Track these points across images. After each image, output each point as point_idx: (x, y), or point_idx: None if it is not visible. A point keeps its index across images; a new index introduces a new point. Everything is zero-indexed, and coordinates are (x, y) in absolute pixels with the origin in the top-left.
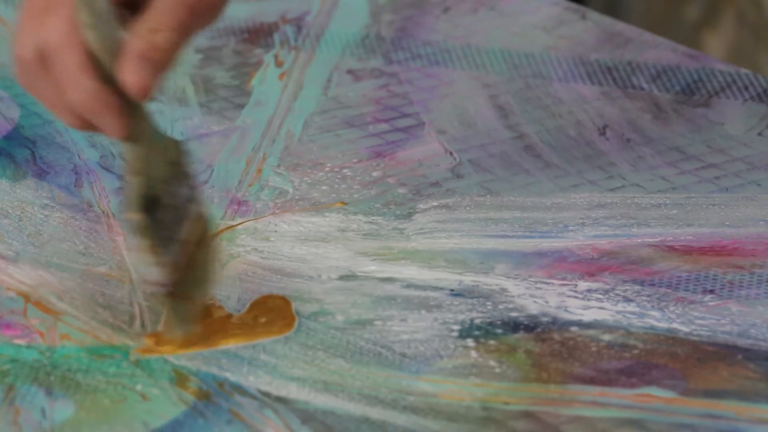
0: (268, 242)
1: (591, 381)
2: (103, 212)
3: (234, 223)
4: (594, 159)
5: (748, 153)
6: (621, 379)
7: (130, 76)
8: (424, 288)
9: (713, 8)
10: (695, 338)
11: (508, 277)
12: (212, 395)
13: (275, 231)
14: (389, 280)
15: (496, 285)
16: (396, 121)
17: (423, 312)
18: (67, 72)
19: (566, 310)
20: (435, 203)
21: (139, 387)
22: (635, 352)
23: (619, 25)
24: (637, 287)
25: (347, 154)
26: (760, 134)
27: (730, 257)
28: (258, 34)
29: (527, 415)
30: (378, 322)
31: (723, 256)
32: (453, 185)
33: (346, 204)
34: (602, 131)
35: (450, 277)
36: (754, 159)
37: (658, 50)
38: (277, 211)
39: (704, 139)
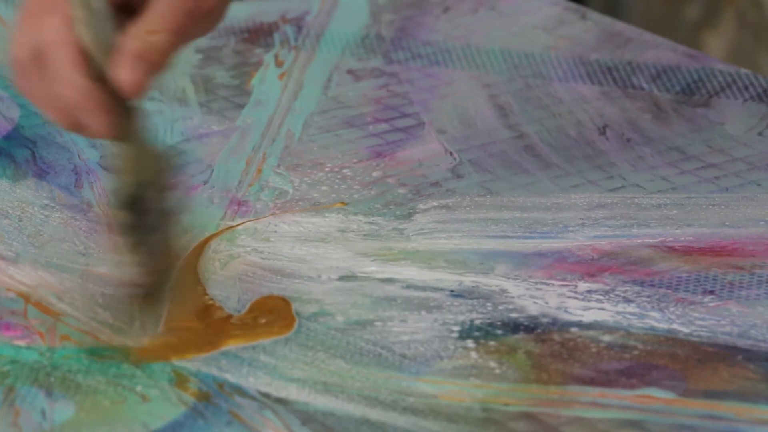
0: (268, 243)
1: (591, 382)
2: (103, 212)
3: (234, 223)
4: (594, 159)
5: (748, 153)
6: (621, 380)
7: (123, 74)
8: (424, 289)
9: (713, 8)
10: (695, 339)
11: (508, 278)
12: (212, 396)
13: (275, 231)
14: (389, 280)
15: (496, 286)
16: (396, 121)
17: (423, 313)
18: (59, 68)
19: (566, 311)
20: (435, 203)
21: (139, 388)
22: (635, 353)
23: (619, 25)
24: (637, 288)
25: (347, 154)
26: (760, 134)
27: (730, 258)
28: (258, 34)
29: (527, 416)
30: (378, 323)
31: (723, 256)
32: (453, 185)
33: (346, 204)
34: (602, 131)
35: (450, 278)
36: (754, 159)
37: (658, 50)
38: (277, 212)
39: (704, 139)
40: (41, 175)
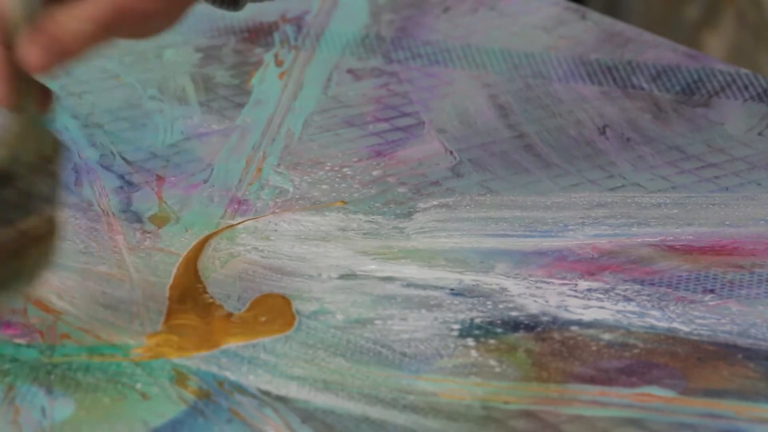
0: (268, 241)
1: (591, 380)
2: (103, 211)
3: (234, 222)
4: (594, 158)
5: (748, 153)
6: (621, 379)
7: (32, 50)
8: (424, 287)
9: (713, 8)
10: (695, 338)
11: (508, 277)
12: (212, 394)
13: (275, 230)
14: (389, 279)
15: (496, 284)
16: (396, 121)
17: (423, 311)
18: None
19: (566, 310)
20: (435, 202)
21: (139, 386)
22: (635, 351)
23: (619, 25)
24: (637, 287)
25: (347, 153)
26: (760, 134)
27: (730, 257)
28: (258, 34)
29: (527, 414)
30: (378, 321)
31: (723, 255)
32: (453, 184)
33: (346, 203)
34: (602, 131)
35: (450, 277)
36: (754, 159)
37: (658, 50)
38: (277, 211)
39: (704, 138)
40: None
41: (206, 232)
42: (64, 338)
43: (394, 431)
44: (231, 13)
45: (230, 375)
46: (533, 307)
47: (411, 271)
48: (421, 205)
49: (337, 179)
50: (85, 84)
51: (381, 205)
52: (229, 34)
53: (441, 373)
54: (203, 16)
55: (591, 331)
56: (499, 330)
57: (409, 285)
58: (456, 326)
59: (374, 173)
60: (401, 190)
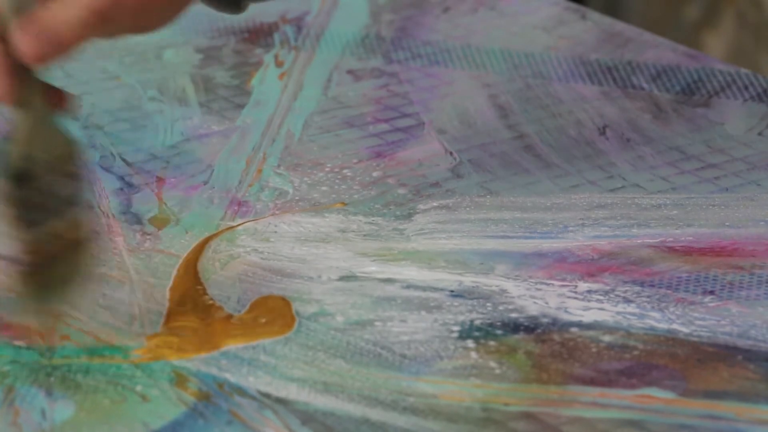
0: (268, 243)
1: (591, 382)
2: (103, 213)
3: (234, 223)
4: (594, 159)
5: (748, 153)
6: (621, 380)
7: (24, 40)
8: (424, 289)
9: (713, 8)
10: (695, 339)
11: (508, 278)
12: (212, 396)
13: (275, 232)
14: (389, 280)
15: (496, 286)
16: (396, 121)
17: (423, 313)
18: None
19: (566, 311)
20: (435, 204)
21: (139, 388)
22: (635, 353)
23: (619, 25)
24: (637, 288)
25: (347, 154)
26: (760, 134)
27: (730, 258)
28: (258, 34)
29: (527, 416)
30: (378, 323)
31: (723, 256)
32: (453, 185)
33: (346, 204)
34: (602, 131)
35: (450, 278)
36: (754, 159)
37: (658, 50)
38: (277, 212)
39: (704, 139)
40: None
41: (206, 234)
42: (63, 340)
43: None
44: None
45: (230, 377)
46: (533, 308)
47: (411, 272)
48: (421, 206)
49: (337, 180)
50: (85, 85)
51: (381, 207)
52: (229, 35)
53: (441, 374)
54: (203, 16)
55: (591, 333)
56: (499, 332)
57: (409, 287)
58: (456, 328)
59: (374, 174)
60: (401, 191)
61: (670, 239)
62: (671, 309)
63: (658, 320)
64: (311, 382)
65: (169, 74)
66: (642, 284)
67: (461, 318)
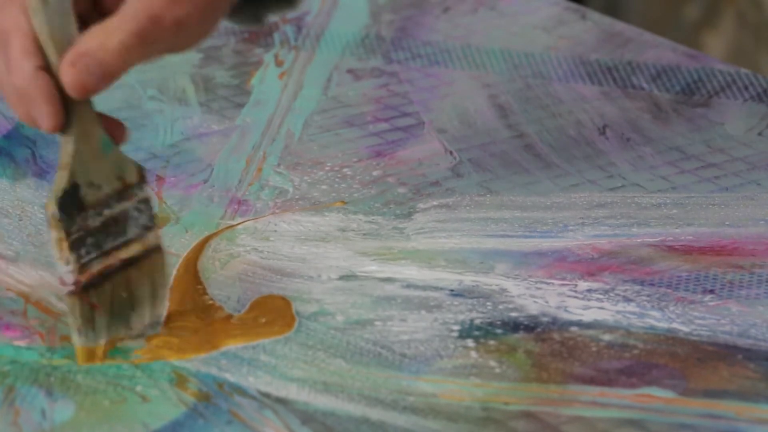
0: (267, 242)
1: (591, 381)
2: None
3: (234, 222)
4: (594, 159)
5: (748, 153)
6: (621, 379)
7: (67, 71)
8: (424, 288)
9: (713, 8)
10: (695, 338)
11: (508, 277)
12: (212, 396)
13: (275, 231)
14: (389, 280)
15: (496, 285)
16: (396, 121)
17: (423, 312)
18: (11, 54)
19: (566, 310)
20: (435, 203)
21: (138, 388)
22: (635, 352)
23: (619, 25)
24: (637, 287)
25: (347, 153)
26: (760, 134)
27: (730, 257)
28: (258, 34)
29: (527, 415)
30: (378, 323)
31: (723, 255)
32: (453, 185)
33: (346, 203)
34: (602, 131)
35: (450, 277)
36: (754, 159)
37: (658, 50)
38: (277, 211)
39: (704, 139)
40: (41, 174)
41: (206, 233)
42: (64, 340)
43: None
44: None
45: (230, 377)
46: (533, 307)
47: (411, 271)
48: (421, 205)
49: (336, 179)
50: None
51: (381, 206)
52: (229, 35)
53: (441, 374)
54: None
55: (591, 332)
56: (498, 331)
57: (408, 286)
58: (456, 327)
59: (374, 173)
60: (401, 190)
61: (670, 238)
62: (671, 308)
63: (658, 319)
64: (311, 382)
65: (169, 74)
66: (642, 283)
67: (461, 317)
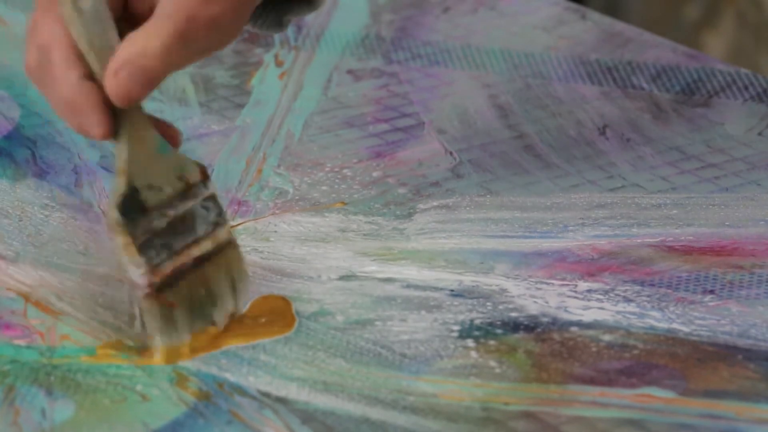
0: (267, 242)
1: (591, 381)
2: (103, 212)
3: (234, 223)
4: (594, 159)
5: (748, 153)
6: (621, 380)
7: (111, 81)
8: (424, 288)
9: (713, 8)
10: (695, 338)
11: (508, 278)
12: (212, 396)
13: (275, 231)
14: (389, 280)
15: (496, 285)
16: (396, 121)
17: (423, 312)
18: (55, 66)
19: (566, 311)
20: (435, 203)
21: (139, 387)
22: (635, 352)
23: (619, 25)
24: (637, 287)
25: (347, 154)
26: (760, 134)
27: (730, 257)
28: (258, 34)
29: (527, 415)
30: (378, 323)
31: (723, 256)
32: (453, 185)
33: (346, 204)
34: (602, 131)
35: (450, 278)
36: (754, 159)
37: (658, 50)
38: (277, 212)
39: (704, 139)
40: (41, 175)
41: None
42: (64, 339)
43: None
44: None
45: (230, 376)
46: (533, 308)
47: (411, 272)
48: (421, 206)
49: (337, 180)
50: None
51: (381, 206)
52: None
53: (441, 374)
54: None
55: (591, 332)
56: (499, 331)
57: (409, 286)
58: (456, 327)
59: (374, 174)
60: (401, 191)
61: (670, 239)
62: (671, 308)
63: (658, 319)
64: (311, 382)
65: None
66: (642, 283)
67: (461, 317)
